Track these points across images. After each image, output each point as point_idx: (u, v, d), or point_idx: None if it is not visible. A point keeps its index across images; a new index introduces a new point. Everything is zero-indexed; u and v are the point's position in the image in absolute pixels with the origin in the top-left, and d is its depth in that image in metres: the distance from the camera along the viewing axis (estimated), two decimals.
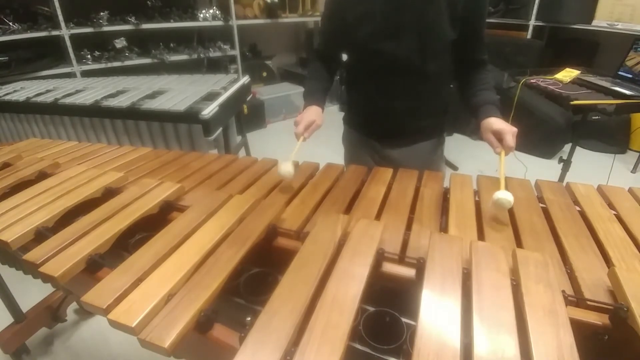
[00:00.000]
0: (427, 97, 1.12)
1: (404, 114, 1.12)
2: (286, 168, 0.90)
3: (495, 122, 0.93)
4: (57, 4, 2.83)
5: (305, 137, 1.00)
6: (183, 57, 3.61)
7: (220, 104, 1.66)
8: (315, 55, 1.21)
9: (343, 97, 1.00)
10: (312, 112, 1.05)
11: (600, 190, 0.88)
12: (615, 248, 0.67)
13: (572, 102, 1.82)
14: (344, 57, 1.20)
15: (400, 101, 1.10)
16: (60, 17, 2.88)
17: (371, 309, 0.57)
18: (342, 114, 1.32)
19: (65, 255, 0.66)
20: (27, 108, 1.86)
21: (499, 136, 0.92)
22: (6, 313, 1.49)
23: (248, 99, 2.16)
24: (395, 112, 1.12)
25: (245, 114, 3.21)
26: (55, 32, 2.92)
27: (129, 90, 1.88)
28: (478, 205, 0.82)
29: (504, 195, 0.77)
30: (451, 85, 1.19)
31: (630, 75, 2.09)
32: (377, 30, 1.01)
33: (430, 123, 1.18)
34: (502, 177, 0.83)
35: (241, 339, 0.48)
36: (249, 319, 0.51)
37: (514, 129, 0.91)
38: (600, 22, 3.06)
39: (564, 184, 0.90)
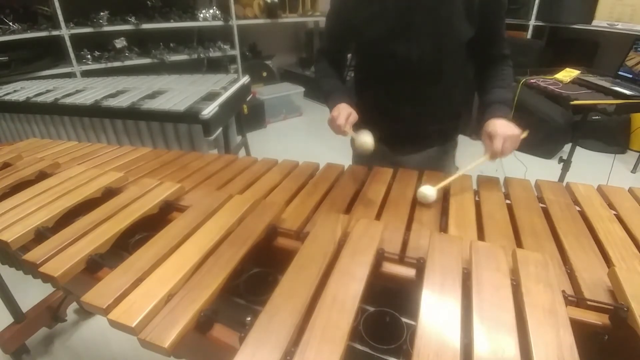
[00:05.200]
0: (439, 101, 1.07)
1: (414, 119, 1.08)
2: (365, 139, 0.85)
3: (492, 124, 0.88)
4: (57, 4, 2.84)
5: (348, 129, 0.92)
6: (183, 57, 3.61)
7: (220, 104, 1.66)
8: (320, 54, 1.16)
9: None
10: (345, 107, 0.97)
11: (600, 190, 0.88)
12: (615, 248, 0.67)
13: (572, 102, 1.82)
14: (352, 56, 1.14)
15: (410, 105, 1.06)
16: (60, 17, 2.89)
17: (371, 309, 0.57)
18: None
19: (65, 255, 0.66)
20: (27, 108, 1.86)
21: (490, 139, 0.86)
22: (6, 313, 1.49)
23: (248, 99, 2.16)
24: (405, 117, 1.08)
25: (245, 114, 3.21)
26: (55, 32, 2.92)
27: (129, 90, 1.88)
28: (478, 205, 0.82)
29: (426, 191, 0.82)
30: (465, 87, 1.13)
31: (630, 75, 2.09)
32: (388, 30, 0.96)
33: (442, 127, 1.14)
34: (460, 172, 0.84)
35: (241, 339, 0.48)
36: (249, 319, 0.51)
37: (508, 133, 0.85)
38: (600, 22, 3.06)
39: (564, 184, 0.90)
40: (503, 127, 0.86)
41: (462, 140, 1.21)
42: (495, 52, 1.02)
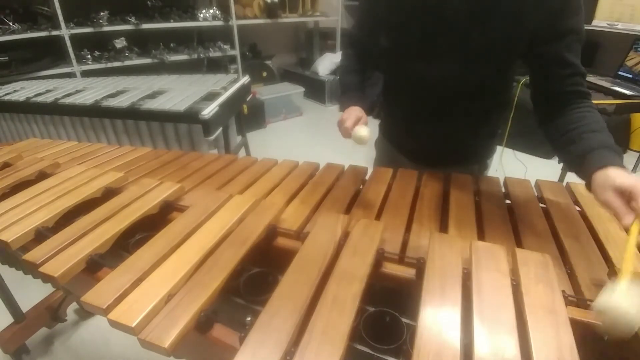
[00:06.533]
0: (459, 125, 0.98)
1: (431, 139, 1.02)
2: (361, 132, 0.81)
3: (619, 175, 0.60)
4: (57, 4, 2.83)
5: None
6: (183, 57, 3.61)
7: (220, 104, 1.66)
8: (348, 40, 1.06)
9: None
10: (356, 110, 0.91)
11: None
12: (615, 248, 0.67)
13: None
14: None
15: (433, 126, 0.99)
16: (60, 17, 2.88)
17: (371, 309, 0.56)
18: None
19: (65, 255, 0.66)
20: (27, 108, 1.86)
21: (627, 197, 0.58)
22: (6, 313, 1.49)
23: (248, 99, 2.16)
24: (422, 136, 1.02)
25: (245, 114, 3.21)
26: (55, 32, 2.92)
27: (129, 90, 1.88)
28: (478, 205, 0.82)
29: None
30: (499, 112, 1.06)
31: (630, 75, 2.09)
32: (410, 47, 0.89)
33: (470, 150, 1.05)
34: (628, 264, 0.53)
35: (241, 339, 0.48)
36: (249, 319, 0.51)
37: None
38: (600, 22, 3.06)
39: (564, 184, 0.90)
40: (637, 178, 0.59)
41: None
42: (565, 88, 0.79)
